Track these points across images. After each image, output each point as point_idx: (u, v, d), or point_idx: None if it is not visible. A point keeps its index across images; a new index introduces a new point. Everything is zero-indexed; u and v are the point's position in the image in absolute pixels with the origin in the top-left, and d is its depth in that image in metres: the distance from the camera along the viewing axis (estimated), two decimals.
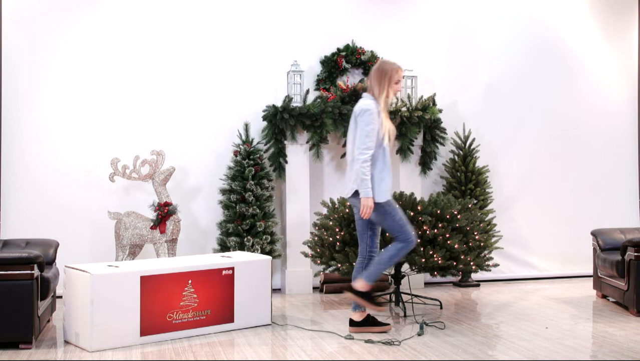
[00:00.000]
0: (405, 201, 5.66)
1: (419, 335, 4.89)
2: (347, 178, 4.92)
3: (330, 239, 5.70)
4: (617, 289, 5.81)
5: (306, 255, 6.10)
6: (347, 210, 5.71)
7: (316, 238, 5.90)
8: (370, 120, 4.70)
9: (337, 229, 5.67)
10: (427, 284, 6.92)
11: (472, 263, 5.64)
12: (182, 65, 6.65)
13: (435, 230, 5.45)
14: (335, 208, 5.89)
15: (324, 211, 6.25)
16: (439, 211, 5.55)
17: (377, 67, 4.89)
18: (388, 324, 5.02)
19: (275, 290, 6.57)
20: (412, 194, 5.81)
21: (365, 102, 4.79)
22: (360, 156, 4.69)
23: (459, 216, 5.57)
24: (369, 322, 4.95)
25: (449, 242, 5.46)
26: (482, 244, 5.76)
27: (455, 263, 5.55)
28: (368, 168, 4.69)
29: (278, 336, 4.95)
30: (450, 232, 5.51)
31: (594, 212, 7.50)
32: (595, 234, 6.32)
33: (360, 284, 4.84)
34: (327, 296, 6.44)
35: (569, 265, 7.47)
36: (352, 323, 4.97)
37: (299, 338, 4.88)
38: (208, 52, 6.71)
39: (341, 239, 5.64)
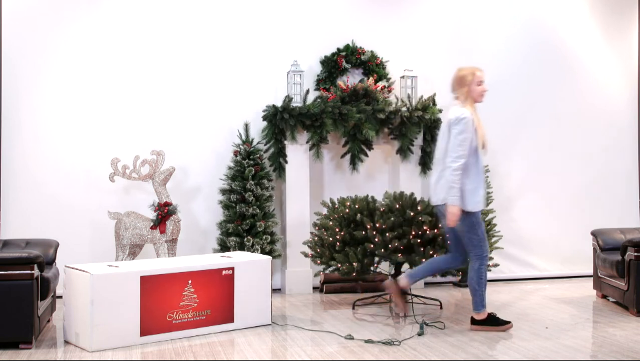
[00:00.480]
0: (404, 201, 5.66)
1: (419, 335, 4.89)
2: (433, 185, 4.97)
3: (330, 239, 5.70)
4: (617, 289, 5.80)
5: (306, 255, 6.10)
6: (347, 210, 5.71)
7: (316, 238, 5.89)
8: (464, 129, 4.74)
9: (337, 229, 5.67)
10: (427, 284, 6.92)
11: None
12: (182, 65, 6.65)
13: (436, 230, 5.45)
14: (335, 208, 5.89)
15: (324, 211, 6.25)
16: None
17: (454, 76, 4.97)
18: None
19: (275, 290, 6.56)
20: (412, 194, 5.81)
21: (460, 110, 4.82)
22: (451, 164, 4.73)
23: None
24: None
25: (449, 242, 5.45)
26: None
27: None
28: (458, 177, 4.73)
29: (278, 336, 4.95)
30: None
31: (594, 212, 7.49)
32: (595, 234, 6.32)
33: (478, 315, 5.00)
34: (327, 296, 6.44)
35: (569, 265, 7.47)
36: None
37: (299, 338, 4.88)
38: (208, 52, 6.71)
39: (341, 239, 5.64)
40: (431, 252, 5.41)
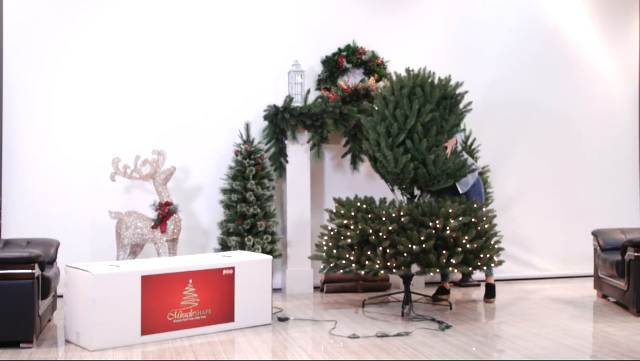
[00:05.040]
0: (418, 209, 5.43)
1: (442, 329, 5.00)
2: None
3: (349, 241, 5.42)
4: (617, 289, 5.81)
5: (318, 258, 5.75)
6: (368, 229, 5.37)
7: (327, 239, 5.66)
8: None
9: (352, 227, 5.43)
10: (427, 284, 6.92)
11: (488, 255, 5.47)
12: (183, 65, 6.66)
13: (448, 229, 5.28)
14: (349, 207, 5.58)
15: (326, 216, 6.11)
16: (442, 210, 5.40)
17: None
18: None
19: (275, 290, 6.56)
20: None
21: None
22: None
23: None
24: None
25: (464, 240, 5.30)
26: (487, 226, 5.61)
27: (473, 259, 5.39)
28: None
29: (278, 335, 4.95)
30: (459, 230, 5.34)
31: (595, 212, 7.49)
32: (595, 234, 6.32)
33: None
34: (328, 296, 6.44)
35: (569, 265, 7.47)
36: None
37: (299, 338, 4.88)
38: (209, 52, 6.72)
39: (357, 240, 5.42)
40: (451, 261, 5.25)
